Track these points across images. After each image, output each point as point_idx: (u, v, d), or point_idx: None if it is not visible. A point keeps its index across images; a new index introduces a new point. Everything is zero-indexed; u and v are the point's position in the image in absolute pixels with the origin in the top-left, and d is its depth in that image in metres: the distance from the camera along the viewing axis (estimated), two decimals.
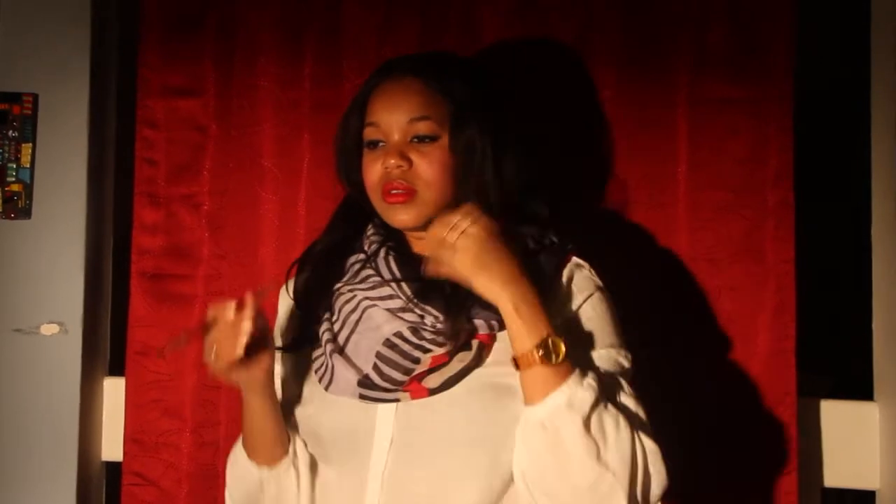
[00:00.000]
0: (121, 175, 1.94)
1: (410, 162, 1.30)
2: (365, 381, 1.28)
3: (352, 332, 1.32)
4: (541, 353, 1.19)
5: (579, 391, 1.19)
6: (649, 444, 1.23)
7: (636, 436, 1.22)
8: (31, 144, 1.85)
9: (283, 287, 1.45)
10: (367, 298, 1.31)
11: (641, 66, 1.76)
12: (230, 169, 1.83)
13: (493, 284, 1.20)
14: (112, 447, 1.90)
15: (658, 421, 1.64)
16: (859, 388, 1.84)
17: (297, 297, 1.40)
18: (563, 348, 1.20)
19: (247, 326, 1.21)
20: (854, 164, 1.92)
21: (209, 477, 1.81)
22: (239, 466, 1.39)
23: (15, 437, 1.84)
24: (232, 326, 1.21)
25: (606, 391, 1.24)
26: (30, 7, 1.86)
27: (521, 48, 1.78)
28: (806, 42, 1.77)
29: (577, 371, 1.21)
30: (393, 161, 1.29)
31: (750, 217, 1.73)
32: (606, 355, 1.30)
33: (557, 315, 1.29)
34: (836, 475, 1.79)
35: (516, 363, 1.21)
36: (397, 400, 1.28)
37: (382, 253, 1.34)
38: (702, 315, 1.74)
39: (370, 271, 1.33)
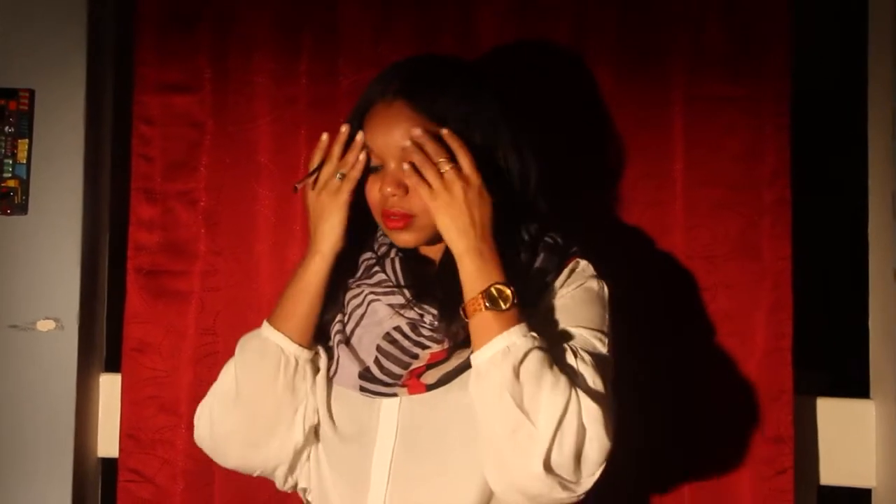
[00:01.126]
0: (117, 171, 1.94)
1: (406, 189, 1.31)
2: (365, 374, 1.31)
3: (356, 325, 1.35)
4: (486, 299, 1.22)
5: (518, 340, 1.21)
6: (589, 405, 1.20)
7: (574, 394, 1.19)
8: (27, 140, 1.85)
9: None
10: (371, 293, 1.35)
11: (638, 64, 1.76)
12: (226, 165, 1.83)
13: (453, 229, 1.25)
14: (108, 443, 1.90)
15: (653, 418, 1.65)
16: (856, 386, 1.84)
17: None
18: (510, 296, 1.23)
19: (363, 157, 1.31)
20: (851, 162, 1.92)
21: (205, 474, 1.81)
22: (259, 339, 1.37)
23: (11, 434, 1.83)
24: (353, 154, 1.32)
25: (562, 360, 1.24)
26: (26, 3, 1.86)
27: (517, 48, 1.78)
28: (803, 40, 1.77)
29: (523, 323, 1.23)
30: (389, 189, 1.31)
31: (746, 215, 1.73)
32: (577, 333, 1.30)
33: (547, 306, 1.32)
34: (832, 473, 1.79)
35: (465, 311, 1.25)
36: (395, 395, 1.31)
37: (392, 254, 1.37)
38: (698, 313, 1.74)
39: (378, 268, 1.37)
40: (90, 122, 1.87)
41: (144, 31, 1.85)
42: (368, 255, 1.41)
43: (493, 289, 1.23)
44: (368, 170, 1.34)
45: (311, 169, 1.35)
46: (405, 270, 1.34)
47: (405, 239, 1.33)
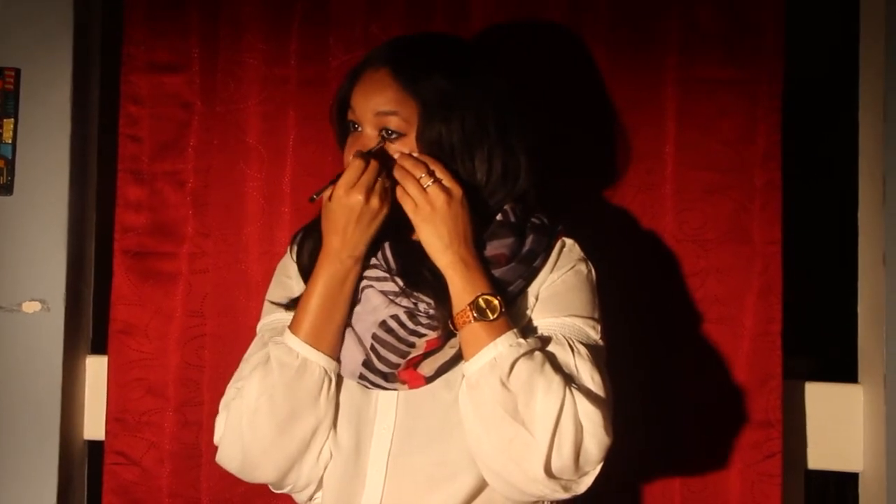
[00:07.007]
0: (104, 152, 1.92)
1: None
2: (365, 363, 1.30)
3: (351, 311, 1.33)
4: (474, 310, 1.23)
5: (507, 349, 1.21)
6: (585, 403, 1.21)
7: (569, 393, 1.21)
8: (12, 120, 1.83)
9: (288, 250, 1.46)
10: (365, 278, 1.32)
11: (630, 45, 1.75)
12: (215, 146, 1.82)
13: (437, 242, 1.27)
14: (94, 426, 1.89)
15: (642, 402, 1.65)
16: (844, 370, 1.84)
17: (300, 263, 1.40)
18: (497, 306, 1.24)
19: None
20: (842, 147, 1.92)
21: (192, 457, 1.81)
22: (297, 357, 1.29)
23: None
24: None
25: (556, 357, 1.25)
26: None
27: (509, 28, 1.77)
28: (796, 25, 1.77)
29: (512, 331, 1.23)
30: (357, 152, 1.31)
31: (737, 198, 1.73)
32: (570, 323, 1.31)
33: (538, 291, 1.32)
34: (819, 457, 1.79)
35: (454, 323, 1.25)
36: (395, 389, 1.30)
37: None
38: (687, 296, 1.73)
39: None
40: (77, 101, 1.86)
41: (133, 10, 1.83)
42: None
43: (480, 300, 1.24)
44: (349, 124, 1.35)
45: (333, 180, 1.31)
46: (395, 255, 1.32)
47: None
